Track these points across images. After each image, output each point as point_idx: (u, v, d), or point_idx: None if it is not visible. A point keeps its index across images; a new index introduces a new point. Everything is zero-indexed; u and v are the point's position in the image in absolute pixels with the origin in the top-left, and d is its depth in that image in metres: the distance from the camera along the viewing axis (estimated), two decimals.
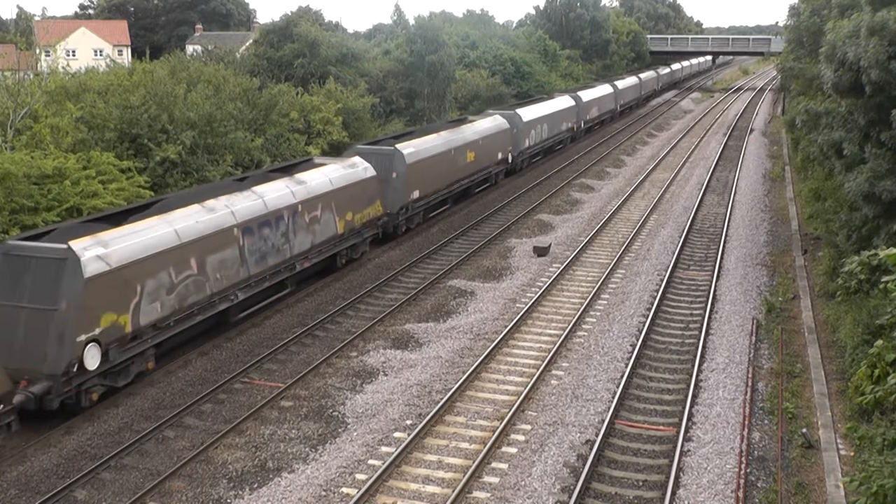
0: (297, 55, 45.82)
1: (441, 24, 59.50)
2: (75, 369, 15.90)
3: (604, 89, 63.33)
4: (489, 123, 38.96)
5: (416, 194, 30.29)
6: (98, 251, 16.65)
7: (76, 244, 16.44)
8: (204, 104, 31.73)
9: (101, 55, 76.10)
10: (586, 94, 57.54)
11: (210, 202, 20.44)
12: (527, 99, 56.44)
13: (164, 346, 18.75)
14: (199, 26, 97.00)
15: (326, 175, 25.25)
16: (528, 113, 44.09)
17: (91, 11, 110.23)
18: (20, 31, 35.83)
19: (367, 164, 27.42)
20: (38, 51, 34.54)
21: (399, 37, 57.12)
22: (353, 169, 26.65)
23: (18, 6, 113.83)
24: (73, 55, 76.94)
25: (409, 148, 30.12)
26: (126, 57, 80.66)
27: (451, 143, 33.75)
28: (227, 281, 20.11)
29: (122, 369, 17.40)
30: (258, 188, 22.38)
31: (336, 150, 36.52)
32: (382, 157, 28.86)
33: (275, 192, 22.63)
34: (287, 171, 25.38)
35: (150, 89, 30.85)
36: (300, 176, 24.44)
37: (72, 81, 32.39)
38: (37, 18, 57.84)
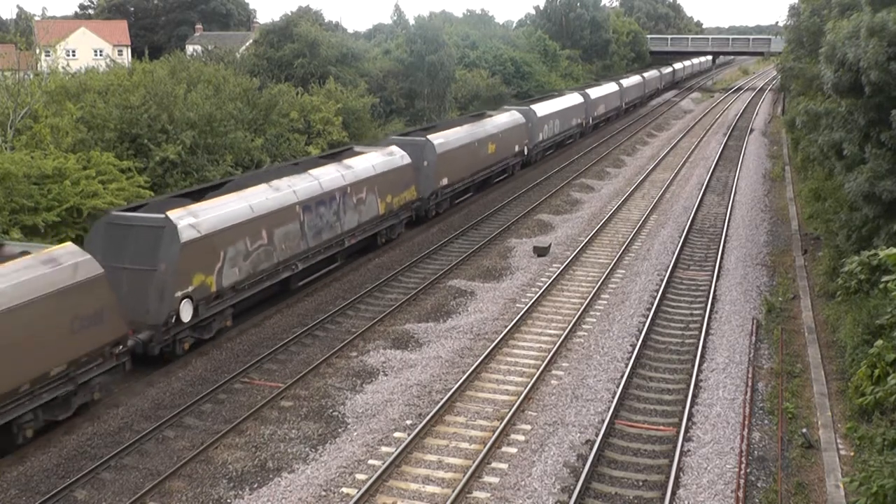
0: (297, 55, 45.82)
1: (441, 24, 59.51)
2: (173, 321, 18.63)
3: (610, 87, 65.57)
4: (507, 118, 41.30)
5: (444, 181, 32.82)
6: (190, 220, 19.27)
7: (173, 214, 19.04)
8: (204, 104, 31.73)
9: (101, 55, 76.11)
10: (594, 92, 59.79)
11: (275, 182, 23.07)
12: (540, 95, 58.21)
13: (238, 307, 21.34)
14: (199, 26, 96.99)
15: (370, 161, 27.88)
16: (541, 109, 46.41)
17: (91, 11, 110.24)
18: (20, 31, 35.82)
19: (403, 153, 29.96)
20: (38, 51, 34.52)
21: (399, 37, 57.13)
22: (391, 157, 29.28)
23: (18, 6, 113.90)
24: (73, 55, 76.95)
25: (439, 139, 32.55)
26: (126, 57, 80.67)
27: (474, 135, 36.11)
28: (290, 251, 22.76)
29: (208, 324, 20.09)
30: (314, 171, 25.09)
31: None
32: (415, 147, 31.16)
33: (328, 175, 25.31)
34: (335, 157, 28.16)
35: (150, 89, 30.85)
36: (347, 162, 27.10)
37: (72, 81, 32.39)
38: (37, 18, 57.85)
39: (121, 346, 17.22)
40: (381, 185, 27.66)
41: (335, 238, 25.04)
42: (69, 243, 17.29)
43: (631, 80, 74.03)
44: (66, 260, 16.10)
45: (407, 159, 29.88)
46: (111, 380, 17.54)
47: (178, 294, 18.62)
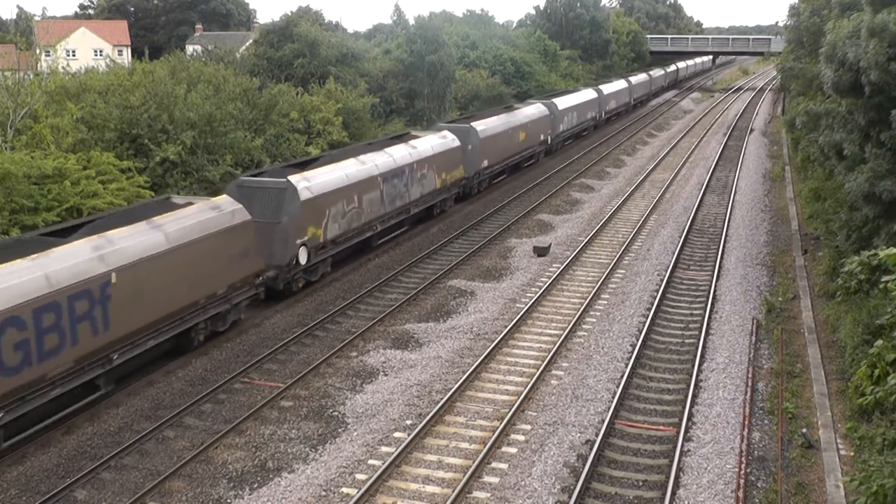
0: (297, 55, 45.84)
1: (441, 24, 59.56)
2: (294, 263, 23.20)
3: (620, 84, 69.91)
4: (534, 110, 45.77)
5: (485, 163, 37.54)
6: (306, 184, 23.97)
7: (293, 178, 23.74)
8: (204, 104, 31.75)
9: (101, 55, 76.11)
10: (606, 88, 63.98)
11: (361, 157, 27.79)
12: (559, 90, 61.93)
13: (335, 258, 25.94)
14: (199, 26, 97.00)
15: (429, 143, 32.37)
16: (562, 102, 51.03)
17: (91, 11, 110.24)
18: (20, 31, 35.89)
19: (454, 136, 34.52)
20: (38, 51, 34.55)
21: (399, 37, 57.16)
22: (444, 139, 33.82)
23: (18, 6, 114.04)
24: (73, 55, 76.96)
25: (481, 125, 37.30)
26: (126, 57, 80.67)
27: (509, 123, 40.81)
28: (373, 214, 27.48)
29: (315, 268, 24.58)
30: (388, 149, 29.63)
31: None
32: (461, 132, 35.62)
33: (400, 153, 29.85)
34: (401, 139, 32.46)
35: (150, 89, 30.87)
36: (412, 143, 31.60)
37: (72, 81, 32.40)
38: (37, 18, 57.82)
39: (260, 278, 21.76)
40: (438, 163, 32.37)
41: (404, 206, 29.87)
42: (225, 195, 21.73)
43: (639, 78, 78.74)
44: (226, 208, 20.61)
45: (457, 142, 34.43)
46: (250, 305, 21.98)
47: (298, 242, 23.39)
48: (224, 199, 21.00)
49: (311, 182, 24.22)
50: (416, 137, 32.59)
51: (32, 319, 14.89)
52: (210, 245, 19.45)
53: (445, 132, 34.53)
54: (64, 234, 17.50)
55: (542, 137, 46.15)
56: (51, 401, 15.77)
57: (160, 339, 18.33)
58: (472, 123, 36.90)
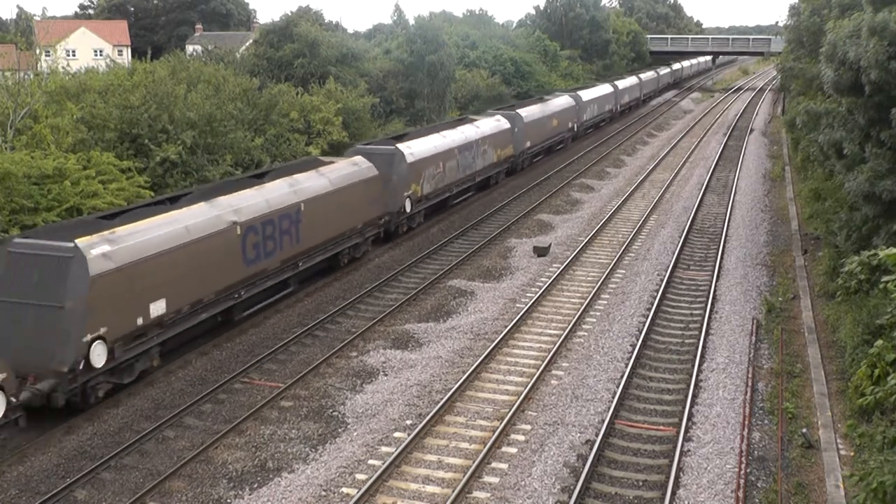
0: (297, 55, 45.82)
1: (441, 24, 59.56)
2: (403, 210, 29.54)
3: (631, 80, 76.36)
4: (563, 101, 52.11)
5: (528, 143, 44.15)
6: (409, 150, 30.24)
7: (400, 145, 30.18)
8: (204, 104, 31.73)
9: (101, 55, 76.11)
10: (621, 84, 70.61)
11: (442, 132, 34.46)
12: (581, 86, 67.31)
13: (427, 211, 32.33)
14: (199, 26, 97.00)
15: (487, 125, 38.95)
16: (585, 95, 57.81)
17: (91, 11, 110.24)
18: (20, 31, 35.89)
19: (505, 120, 41.12)
20: (38, 51, 34.54)
21: (399, 37, 57.12)
22: (498, 122, 40.45)
23: (18, 6, 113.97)
24: (73, 55, 76.95)
25: (525, 112, 44.03)
26: (126, 57, 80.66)
27: (545, 111, 47.50)
28: (451, 179, 33.93)
29: (413, 217, 30.87)
30: (460, 128, 36.40)
31: (336, 151, 36.55)
32: (510, 117, 42.04)
33: (469, 131, 36.59)
34: (463, 121, 39.08)
35: (150, 89, 30.85)
36: (476, 123, 38.15)
37: (72, 81, 32.39)
38: (37, 18, 57.80)
39: (382, 220, 28.32)
40: (494, 141, 38.77)
41: (472, 174, 36.36)
42: (359, 156, 27.90)
43: (648, 75, 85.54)
44: (362, 164, 27.31)
45: (507, 125, 40.86)
46: (371, 243, 27.93)
47: (405, 194, 29.67)
48: (359, 158, 27.74)
49: (412, 149, 30.74)
50: (475, 120, 39.40)
51: (261, 229, 21.33)
52: (354, 191, 25.95)
53: (499, 116, 41.50)
54: (260, 178, 23.87)
55: (569, 125, 52.70)
56: (264, 290, 21.97)
57: (325, 256, 24.86)
58: (518, 110, 43.77)
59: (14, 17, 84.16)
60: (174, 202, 20.37)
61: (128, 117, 29.14)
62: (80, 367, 15.83)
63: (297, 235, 22.75)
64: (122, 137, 28.93)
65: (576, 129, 54.19)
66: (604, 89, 63.93)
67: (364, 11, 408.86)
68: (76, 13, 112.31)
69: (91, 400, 16.65)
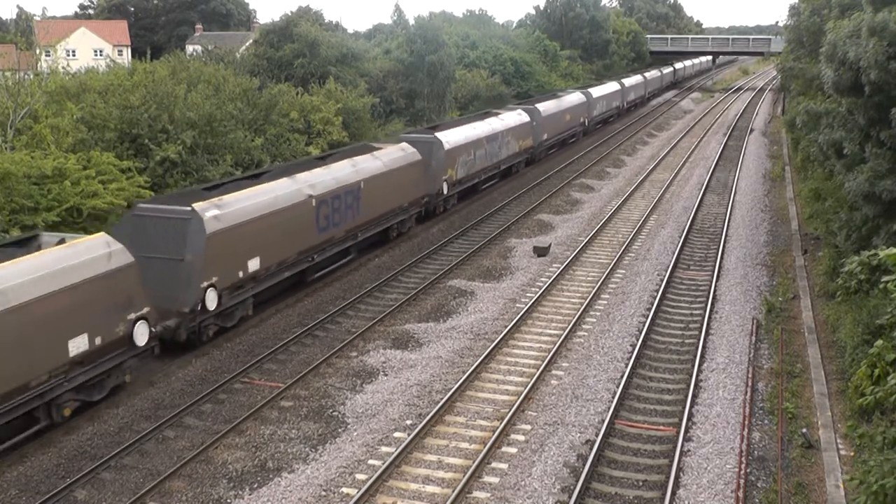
0: (297, 55, 45.83)
1: (441, 24, 59.56)
2: (441, 192, 33.38)
3: (637, 79, 79.16)
4: (575, 97, 55.36)
5: (545, 136, 47.16)
6: (446, 138, 33.74)
7: (438, 134, 33.64)
8: (204, 104, 31.74)
9: (101, 55, 76.11)
10: (627, 81, 73.52)
11: (473, 124, 37.66)
12: (591, 82, 71.99)
13: (460, 194, 35.91)
14: (199, 26, 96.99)
15: (510, 118, 42.04)
16: (595, 92, 60.99)
17: (91, 11, 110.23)
18: (20, 31, 35.88)
19: (525, 114, 44.02)
20: (38, 51, 34.54)
21: (399, 37, 57.13)
22: (520, 116, 43.45)
23: (18, 6, 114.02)
24: (73, 55, 76.95)
25: (542, 107, 47.15)
26: (126, 57, 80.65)
27: (559, 106, 50.95)
28: (480, 166, 37.23)
29: (449, 198, 34.62)
30: (487, 120, 39.64)
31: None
32: (530, 111, 45.07)
33: (495, 123, 39.84)
34: (489, 114, 41.82)
35: (150, 89, 30.87)
36: (500, 116, 41.55)
37: (72, 81, 32.39)
38: (37, 18, 57.82)
39: (424, 200, 31.73)
40: (516, 133, 41.76)
41: (497, 163, 39.54)
42: (404, 143, 31.13)
43: (652, 74, 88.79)
44: (408, 150, 30.63)
45: (527, 118, 43.78)
46: (414, 220, 31.67)
47: (443, 178, 33.30)
48: (405, 145, 30.83)
49: (448, 138, 33.98)
50: (499, 114, 42.28)
51: (330, 202, 24.54)
52: (402, 173, 29.32)
53: (520, 110, 44.36)
54: (323, 160, 27.12)
55: (581, 120, 56.03)
56: (331, 255, 25.33)
57: (378, 229, 28.29)
58: (536, 105, 46.93)
59: (14, 17, 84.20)
60: (256, 178, 23.73)
61: (128, 117, 29.15)
62: (199, 308, 19.31)
63: (357, 209, 26.33)
64: (123, 137, 28.94)
65: (587, 123, 57.65)
66: (612, 87, 67.27)
67: (364, 11, 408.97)
68: (76, 13, 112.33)
69: (203, 338, 20.05)
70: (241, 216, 20.53)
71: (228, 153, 31.65)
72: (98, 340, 16.32)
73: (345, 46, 48.87)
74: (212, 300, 19.65)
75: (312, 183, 24.03)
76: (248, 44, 63.41)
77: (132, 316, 17.19)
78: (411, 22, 57.83)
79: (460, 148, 34.66)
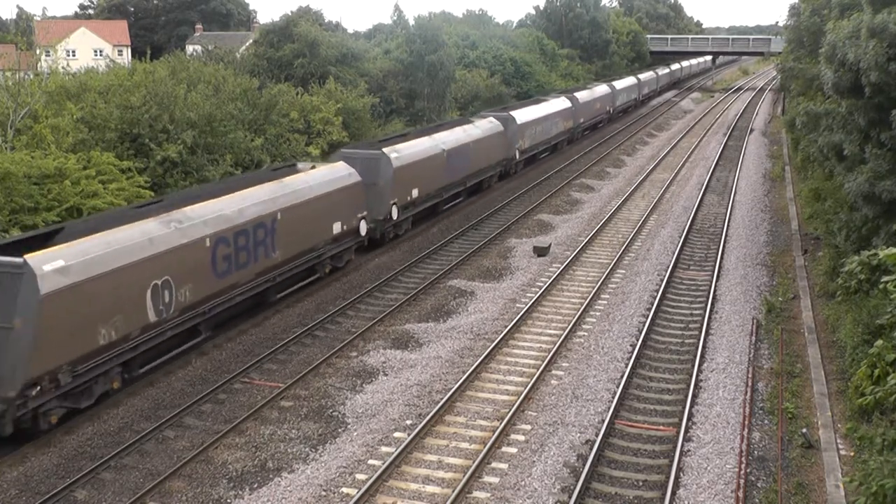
0: (297, 55, 45.82)
1: (441, 24, 59.53)
2: (515, 158, 41.80)
3: (650, 74, 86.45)
4: (602, 88, 63.91)
5: (582, 120, 55.69)
6: (519, 116, 42.38)
7: (513, 112, 42.38)
8: (204, 104, 31.74)
9: (101, 55, 76.08)
10: (643, 76, 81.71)
11: (531, 107, 46.55)
12: (613, 76, 79.58)
13: (526, 160, 45.02)
14: (199, 26, 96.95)
15: (557, 103, 50.36)
16: (618, 84, 69.41)
17: (91, 11, 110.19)
18: (20, 31, 35.84)
19: (567, 100, 52.14)
20: (38, 51, 34.52)
21: (399, 37, 57.12)
22: (564, 102, 51.40)
23: (18, 6, 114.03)
24: (73, 55, 76.93)
25: (580, 95, 55.88)
26: (126, 57, 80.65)
27: (592, 95, 59.58)
28: (538, 139, 45.99)
29: (519, 164, 43.29)
30: (541, 104, 48.11)
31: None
32: (570, 98, 53.05)
33: (546, 108, 47.90)
34: (541, 100, 49.97)
35: (150, 89, 30.86)
36: (550, 101, 49.82)
37: (72, 81, 32.39)
38: (37, 18, 57.82)
39: (503, 162, 40.13)
40: (562, 116, 50.26)
41: (549, 138, 48.23)
42: (491, 117, 40.27)
43: (664, 70, 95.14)
44: (493, 123, 39.08)
45: (568, 104, 52.02)
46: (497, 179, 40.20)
47: (516, 146, 41.74)
48: (490, 119, 39.50)
49: (520, 116, 42.55)
50: (547, 100, 49.91)
51: (456, 155, 33.97)
52: (490, 139, 38.22)
53: (563, 97, 52.27)
54: (438, 128, 35.72)
55: (607, 108, 64.35)
56: (451, 195, 34.60)
57: (475, 182, 36.96)
58: (575, 93, 55.01)
59: (14, 17, 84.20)
60: (403, 137, 32.32)
61: (128, 117, 29.15)
62: (389, 216, 28.47)
63: (468, 165, 35.06)
64: (123, 137, 28.94)
65: (611, 111, 66.14)
66: (630, 81, 75.48)
67: (364, 11, 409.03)
68: (76, 13, 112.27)
69: (390, 236, 29.22)
70: (411, 158, 29.99)
71: (228, 153, 31.65)
72: (344, 227, 25.33)
73: (345, 46, 48.86)
74: (395, 213, 28.86)
75: (444, 141, 33.22)
76: (248, 44, 63.41)
77: (360, 215, 26.21)
78: (411, 22, 57.86)
79: (528, 123, 41.72)
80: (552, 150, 50.26)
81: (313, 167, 25.64)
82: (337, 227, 24.77)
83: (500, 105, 53.54)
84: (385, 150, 28.51)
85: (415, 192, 30.37)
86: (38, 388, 15.23)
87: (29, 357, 14.92)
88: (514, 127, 41.23)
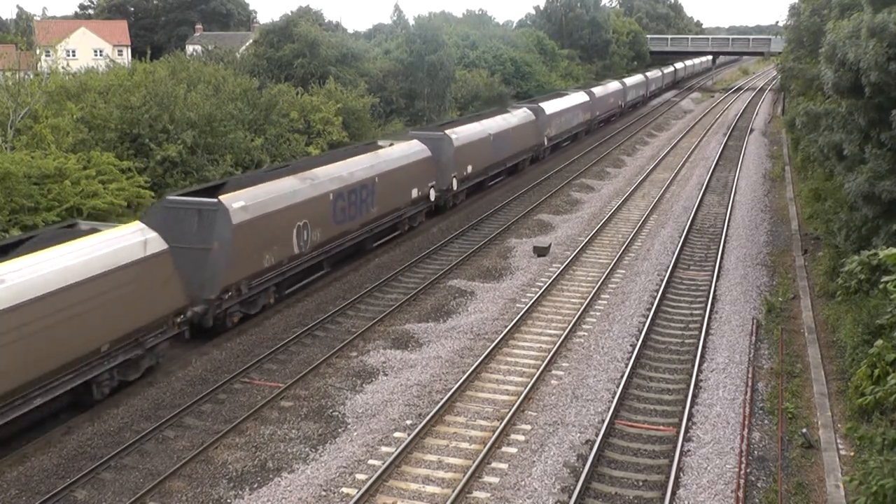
0: (297, 55, 45.83)
1: (441, 23, 59.52)
2: (542, 144, 46.78)
3: (657, 73, 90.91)
4: (614, 85, 68.90)
5: (598, 113, 60.65)
6: (547, 107, 47.53)
7: (542, 104, 47.52)
8: (204, 104, 31.74)
9: (101, 55, 76.07)
10: (650, 74, 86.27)
11: (556, 99, 51.64)
12: (624, 74, 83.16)
13: (553, 147, 49.89)
14: (199, 26, 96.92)
15: (578, 97, 55.83)
16: (629, 81, 74.45)
17: (91, 11, 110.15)
18: (20, 31, 35.85)
19: (586, 95, 57.26)
20: (38, 51, 34.54)
21: (399, 37, 57.13)
22: (583, 95, 56.93)
23: (18, 6, 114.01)
24: (73, 55, 76.91)
25: (596, 90, 61.07)
26: (126, 57, 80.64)
27: (606, 90, 64.56)
28: (562, 129, 50.96)
29: (546, 150, 48.01)
30: (564, 97, 53.69)
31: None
32: (589, 93, 58.48)
33: (569, 100, 53.52)
34: (565, 93, 56.04)
35: (150, 89, 30.87)
36: (572, 95, 55.46)
37: (72, 81, 32.39)
38: (37, 18, 57.82)
39: (534, 148, 44.93)
40: (581, 109, 55.53)
41: (572, 128, 53.60)
42: (525, 107, 44.51)
43: (668, 69, 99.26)
44: (528, 112, 43.68)
45: (586, 98, 57.35)
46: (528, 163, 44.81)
47: (544, 134, 46.71)
48: (524, 109, 44.14)
49: (548, 107, 47.55)
50: (568, 93, 55.79)
51: (499, 139, 38.71)
52: (525, 127, 42.78)
53: (582, 92, 57.72)
54: (478, 117, 40.31)
55: (619, 103, 69.27)
56: (499, 171, 40.26)
57: (514, 163, 42.09)
58: (592, 89, 60.46)
59: (14, 17, 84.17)
60: (458, 122, 38.24)
61: (128, 117, 29.16)
62: (451, 187, 33.77)
63: (508, 148, 39.98)
64: (123, 137, 28.95)
65: (623, 105, 70.79)
66: (639, 78, 79.94)
67: (364, 11, 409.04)
68: (76, 13, 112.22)
69: (450, 204, 34.37)
70: (467, 140, 35.21)
71: (228, 153, 31.65)
72: (419, 193, 30.42)
73: (345, 46, 48.87)
74: (454, 184, 34.01)
75: (490, 126, 38.37)
76: (248, 44, 63.41)
77: (430, 184, 31.16)
78: (411, 22, 57.85)
79: (555, 114, 49.08)
80: (573, 139, 55.22)
81: (391, 144, 30.52)
82: (414, 193, 30.48)
83: (499, 104, 53.75)
84: (447, 131, 34.39)
85: (469, 168, 35.92)
86: (229, 294, 20.35)
87: (223, 271, 19.94)
88: (543, 117, 46.10)
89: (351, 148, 30.92)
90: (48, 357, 15.10)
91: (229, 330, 20.83)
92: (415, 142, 31.74)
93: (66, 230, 17.97)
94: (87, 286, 15.72)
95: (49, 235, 17.18)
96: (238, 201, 20.54)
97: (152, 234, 17.71)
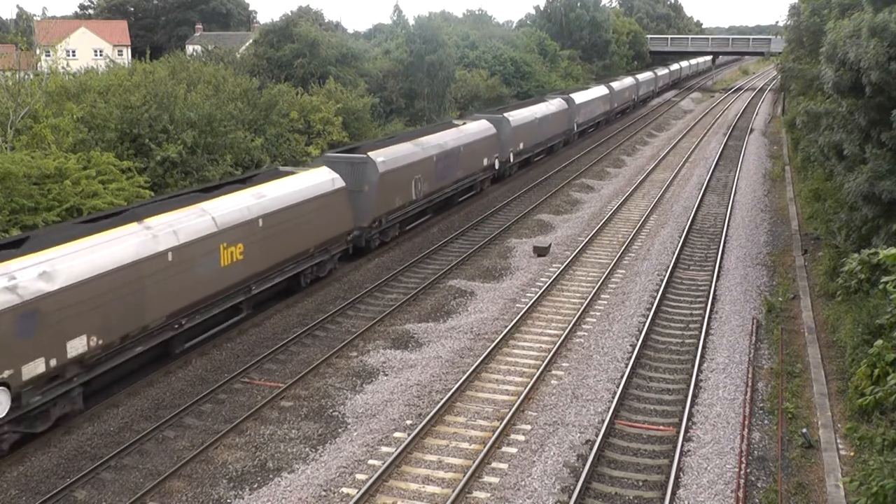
0: (297, 55, 45.81)
1: (440, 23, 59.52)
2: (573, 129, 53.20)
3: (664, 70, 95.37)
4: (629, 81, 74.34)
5: (615, 105, 66.83)
6: (577, 97, 55.13)
7: (573, 95, 54.75)
8: (204, 104, 31.71)
9: (101, 55, 76.05)
10: (659, 72, 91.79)
11: (587, 91, 60.06)
12: (633, 71, 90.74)
13: (582, 133, 57.71)
14: (199, 26, 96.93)
15: (599, 90, 62.25)
16: (641, 77, 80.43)
17: (91, 11, 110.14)
18: (20, 31, 35.80)
19: (605, 89, 63.37)
20: (38, 51, 34.52)
21: (399, 37, 57.09)
22: (604, 89, 62.99)
23: (18, 6, 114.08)
24: (73, 55, 76.86)
25: (615, 84, 68.02)
26: (126, 57, 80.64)
27: (622, 85, 70.14)
28: (591, 115, 58.74)
29: (577, 134, 55.17)
30: (593, 88, 61.75)
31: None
32: (609, 87, 64.87)
33: (596, 91, 61.25)
34: (588, 87, 62.92)
35: (150, 89, 30.84)
36: (595, 87, 62.16)
37: (72, 81, 32.37)
38: (37, 18, 57.83)
39: (566, 132, 51.84)
40: (602, 100, 62.29)
41: (597, 116, 60.82)
42: (558, 98, 51.60)
43: (673, 68, 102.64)
44: (561, 101, 50.83)
45: (607, 91, 64.12)
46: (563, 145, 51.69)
47: (576, 121, 53.66)
48: (559, 98, 50.36)
49: (577, 98, 53.94)
50: (591, 87, 62.22)
51: (528, 132, 43.74)
52: (559, 115, 49.15)
53: (602, 86, 64.18)
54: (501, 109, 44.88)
55: (633, 97, 75.11)
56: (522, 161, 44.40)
57: (547, 146, 48.06)
58: (611, 83, 66.65)
59: (14, 17, 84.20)
60: (508, 107, 43.97)
61: (128, 117, 29.13)
62: (509, 160, 39.99)
63: (548, 131, 47.13)
64: (123, 137, 28.92)
65: (636, 99, 76.54)
66: (649, 75, 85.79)
67: (364, 11, 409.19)
68: (76, 13, 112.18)
69: (508, 174, 41.48)
70: (522, 121, 42.22)
71: (228, 153, 31.63)
72: (489, 162, 36.95)
73: (345, 46, 48.86)
74: (511, 157, 40.76)
75: (503, 120, 40.74)
76: (248, 44, 63.35)
77: (495, 155, 37.77)
78: (411, 22, 57.80)
79: (584, 104, 55.69)
80: (595, 126, 62.12)
81: (464, 123, 37.57)
82: (485, 161, 37.45)
83: (498, 105, 53.79)
84: (505, 114, 41.44)
85: (521, 145, 43.15)
86: (375, 223, 27.57)
87: (371, 207, 27.12)
88: (573, 107, 52.35)
89: (436, 125, 39.55)
90: (283, 249, 21.99)
91: (373, 251, 27.93)
92: (483, 121, 38.81)
93: (274, 170, 25.50)
94: (305, 205, 22.79)
95: (266, 173, 24.71)
96: (380, 157, 27.73)
97: (337, 175, 24.94)
